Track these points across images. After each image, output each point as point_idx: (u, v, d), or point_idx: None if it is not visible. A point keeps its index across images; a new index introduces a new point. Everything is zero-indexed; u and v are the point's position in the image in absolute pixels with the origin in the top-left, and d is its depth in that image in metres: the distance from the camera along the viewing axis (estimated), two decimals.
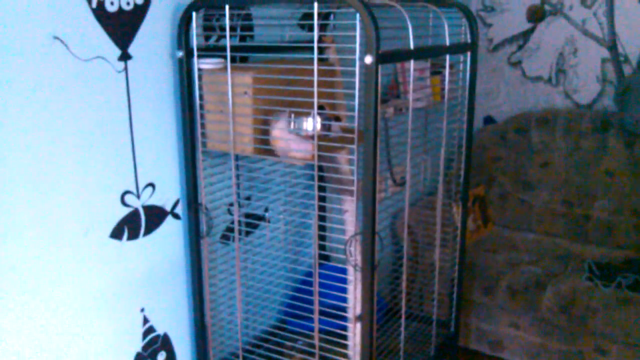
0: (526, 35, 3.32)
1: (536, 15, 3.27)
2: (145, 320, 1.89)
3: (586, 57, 3.17)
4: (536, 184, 3.16)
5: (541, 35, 3.27)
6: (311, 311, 2.13)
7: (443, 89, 2.04)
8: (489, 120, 3.52)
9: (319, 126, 1.66)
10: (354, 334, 1.86)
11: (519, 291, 2.64)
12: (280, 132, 1.70)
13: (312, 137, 1.66)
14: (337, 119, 1.85)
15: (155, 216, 1.86)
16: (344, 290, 1.99)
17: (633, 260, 2.74)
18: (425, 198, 3.12)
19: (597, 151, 3.02)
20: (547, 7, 3.22)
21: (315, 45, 1.58)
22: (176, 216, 1.92)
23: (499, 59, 3.43)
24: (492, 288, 2.72)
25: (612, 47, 3.09)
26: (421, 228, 2.95)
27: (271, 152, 1.77)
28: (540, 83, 3.33)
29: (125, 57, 1.68)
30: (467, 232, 2.98)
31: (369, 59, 1.48)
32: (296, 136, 1.69)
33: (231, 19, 1.96)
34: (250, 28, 2.05)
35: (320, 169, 1.98)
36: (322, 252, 2.43)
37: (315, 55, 1.59)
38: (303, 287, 2.36)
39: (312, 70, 1.62)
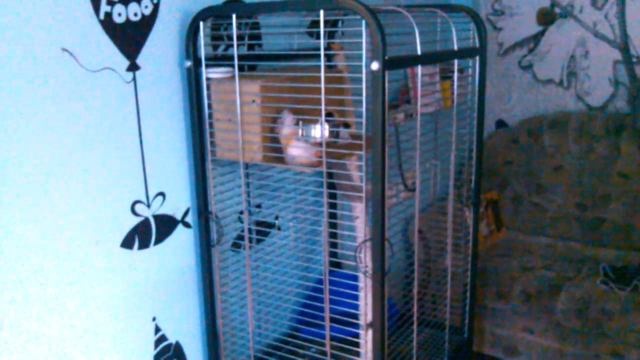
0: (537, 38, 3.30)
1: (546, 18, 3.25)
2: (157, 329, 1.89)
3: (598, 59, 3.15)
4: (549, 188, 3.14)
5: (552, 38, 3.25)
6: (323, 318, 2.12)
7: (453, 93, 2.04)
8: (501, 124, 3.50)
9: (327, 133, 1.66)
10: (366, 341, 1.85)
11: (533, 295, 2.62)
12: (288, 138, 1.70)
13: (320, 144, 1.66)
14: (346, 125, 1.85)
15: (166, 225, 1.87)
16: (356, 297, 1.98)
17: None
18: (437, 203, 3.11)
19: (610, 153, 2.99)
20: (557, 10, 3.21)
21: (322, 52, 1.58)
22: (187, 225, 1.93)
23: (509, 63, 3.42)
24: (506, 293, 2.70)
25: (624, 48, 3.06)
26: (433, 233, 2.94)
27: (280, 160, 1.77)
28: (551, 86, 3.31)
29: (133, 67, 1.69)
30: (481, 236, 2.96)
31: (375, 65, 1.48)
32: (305, 143, 1.69)
33: (239, 27, 1.97)
34: (258, 37, 2.06)
35: (330, 175, 1.98)
36: (333, 259, 2.42)
37: (323, 63, 1.59)
38: (314, 294, 2.36)
39: (320, 78, 1.62)
